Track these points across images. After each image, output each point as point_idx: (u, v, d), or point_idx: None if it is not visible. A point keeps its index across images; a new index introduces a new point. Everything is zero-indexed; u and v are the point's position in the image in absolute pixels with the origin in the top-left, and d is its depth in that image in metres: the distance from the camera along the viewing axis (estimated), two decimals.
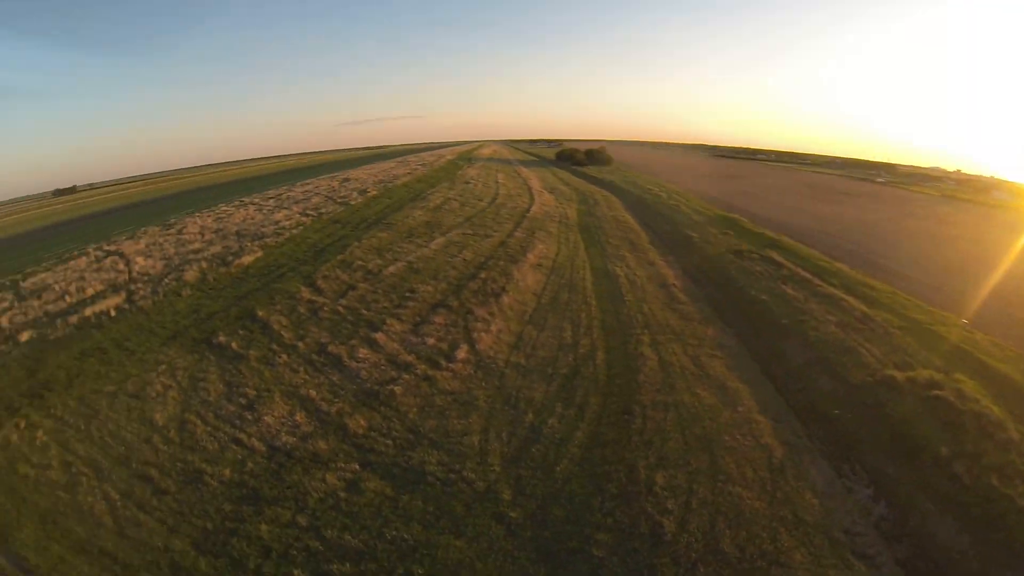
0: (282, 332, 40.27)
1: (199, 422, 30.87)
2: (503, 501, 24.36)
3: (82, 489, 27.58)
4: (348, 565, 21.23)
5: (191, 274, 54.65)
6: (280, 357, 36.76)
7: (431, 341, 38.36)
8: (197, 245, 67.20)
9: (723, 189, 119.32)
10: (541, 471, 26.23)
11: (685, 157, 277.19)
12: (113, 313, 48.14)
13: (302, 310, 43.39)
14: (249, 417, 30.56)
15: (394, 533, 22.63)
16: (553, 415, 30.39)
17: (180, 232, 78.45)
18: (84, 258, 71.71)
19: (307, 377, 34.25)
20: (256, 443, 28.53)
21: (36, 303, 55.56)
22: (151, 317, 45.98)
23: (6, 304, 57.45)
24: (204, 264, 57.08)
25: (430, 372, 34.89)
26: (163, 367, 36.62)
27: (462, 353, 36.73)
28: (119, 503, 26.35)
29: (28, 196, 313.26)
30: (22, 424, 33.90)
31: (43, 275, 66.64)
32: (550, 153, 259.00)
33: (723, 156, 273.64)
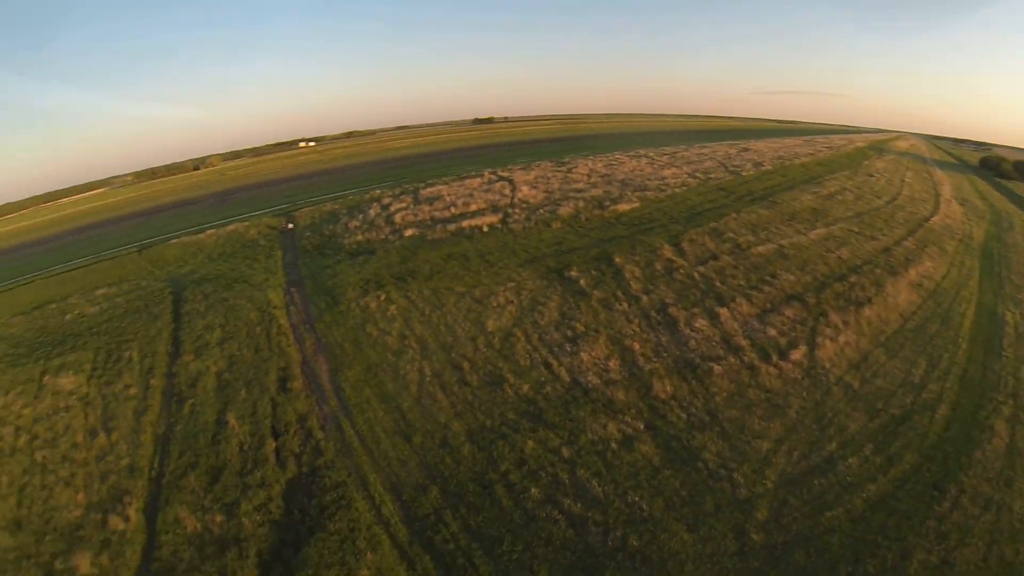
0: (631, 282, 46.92)
1: (522, 339, 39.14)
2: (754, 519, 25.70)
3: (405, 358, 38.78)
4: (579, 505, 26.32)
5: (566, 210, 66.44)
6: (620, 304, 43.22)
7: (772, 332, 40.17)
8: (581, 185, 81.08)
9: None
10: (810, 508, 26.47)
11: None
12: (486, 229, 62.46)
13: (658, 267, 49.24)
14: (568, 348, 37.51)
15: (636, 499, 26.61)
16: (857, 455, 29.98)
17: (569, 171, 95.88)
18: (479, 179, 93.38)
19: (637, 330, 39.59)
20: (563, 373, 35.12)
21: (427, 208, 75.08)
22: (517, 239, 58.42)
23: (404, 205, 79.19)
24: (581, 204, 68.55)
25: (757, 363, 36.85)
26: (512, 284, 46.98)
27: (797, 354, 37.90)
28: (427, 379, 36.23)
29: (452, 121, 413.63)
30: (383, 297, 47.56)
31: (440, 187, 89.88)
32: (974, 158, 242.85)
33: None
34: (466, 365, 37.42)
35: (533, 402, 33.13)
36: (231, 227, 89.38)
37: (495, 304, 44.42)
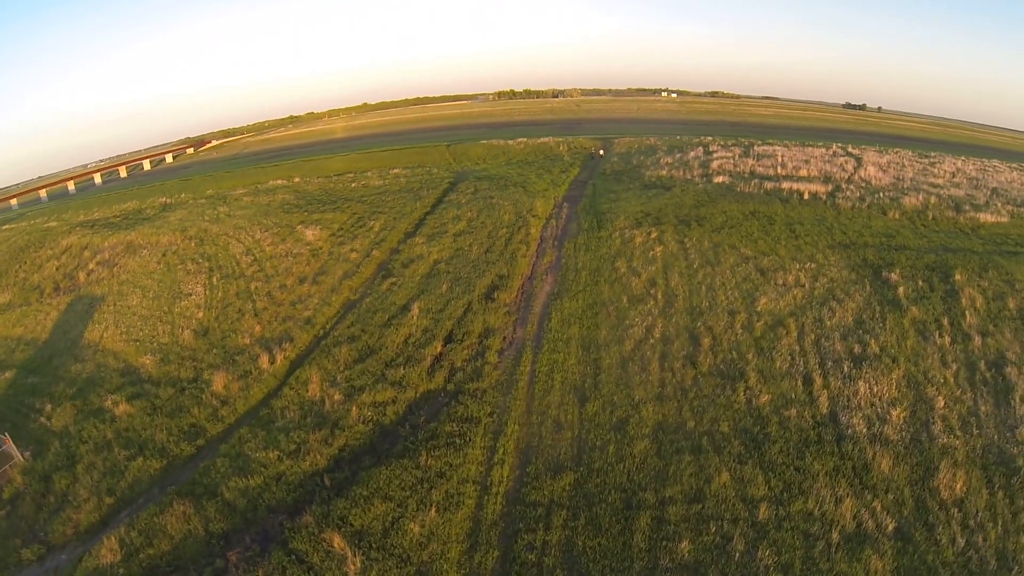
0: (967, 312, 30.72)
1: (793, 334, 27.87)
2: None
3: (641, 308, 30.08)
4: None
5: (912, 201, 48.86)
6: (941, 337, 27.83)
7: None
8: (940, 181, 60.72)
9: None
10: None
11: None
12: (806, 196, 48.82)
13: (1011, 304, 32.32)
14: (845, 369, 25.26)
15: None
16: None
17: (932, 164, 73.20)
18: (823, 150, 75.63)
19: (950, 380, 25.06)
20: (823, 399, 23.35)
21: (751, 162, 61.82)
22: (839, 217, 44.40)
23: (728, 155, 66.79)
24: (933, 200, 49.85)
25: None
26: (811, 266, 34.94)
27: None
28: (652, 341, 27.18)
29: (820, 102, 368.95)
30: (654, 234, 38.11)
31: (777, 147, 75.00)
32: None
33: None
34: (706, 341, 27.17)
35: (764, 422, 22.08)
36: (543, 139, 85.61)
37: (780, 282, 32.94)
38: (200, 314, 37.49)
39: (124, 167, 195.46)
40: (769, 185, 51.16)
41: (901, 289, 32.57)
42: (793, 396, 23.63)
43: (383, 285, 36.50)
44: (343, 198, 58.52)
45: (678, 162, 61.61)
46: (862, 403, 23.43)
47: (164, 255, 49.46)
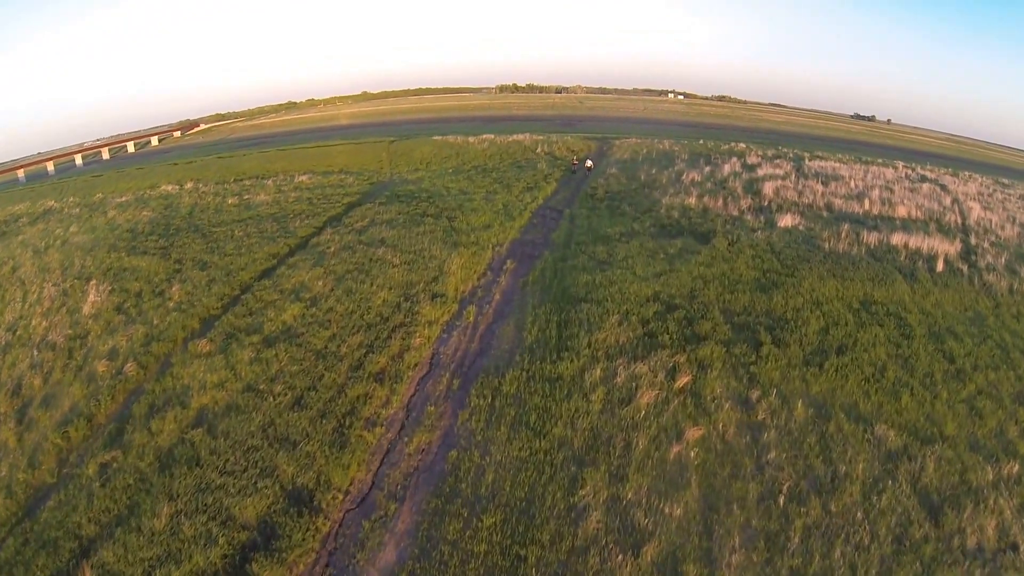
0: None
1: None
2: None
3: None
4: None
5: None
6: None
7: None
8: None
9: None
10: None
11: None
12: (940, 267, 26.78)
13: None
14: None
15: None
16: None
17: (1020, 197, 49.76)
18: (891, 170, 52.87)
19: None
20: None
21: (818, 187, 39.96)
22: (1000, 316, 22.37)
23: (779, 173, 44.66)
24: None
25: None
26: (1010, 465, 14.16)
27: None
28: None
29: (828, 112, 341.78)
30: (681, 379, 16.38)
31: (835, 164, 52.69)
32: None
33: None
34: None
35: None
36: (515, 137, 63.23)
37: (974, 542, 11.84)
38: None
39: (106, 148, 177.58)
40: (870, 238, 29.18)
41: None
42: None
43: (91, 466, 14.70)
44: (192, 227, 35.12)
45: (710, 180, 39.48)
46: None
47: None
